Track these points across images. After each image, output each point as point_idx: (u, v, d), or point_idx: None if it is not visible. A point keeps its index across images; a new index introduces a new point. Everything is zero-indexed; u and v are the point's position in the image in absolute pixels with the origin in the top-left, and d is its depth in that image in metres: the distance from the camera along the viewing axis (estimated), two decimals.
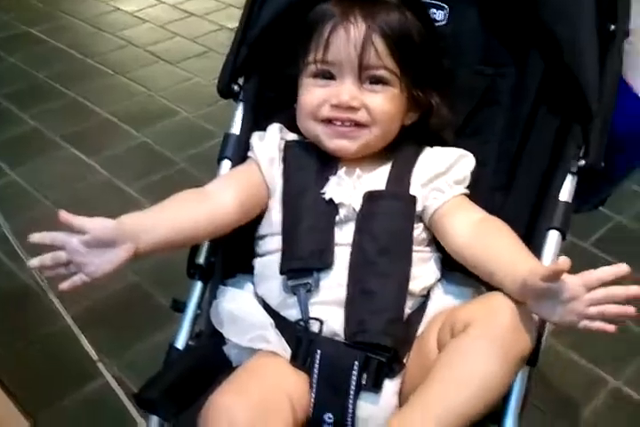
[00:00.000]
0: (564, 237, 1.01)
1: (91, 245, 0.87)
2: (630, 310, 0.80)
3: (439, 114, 1.09)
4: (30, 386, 1.58)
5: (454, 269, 1.07)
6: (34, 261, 0.89)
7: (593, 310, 0.82)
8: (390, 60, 1.02)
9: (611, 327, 0.81)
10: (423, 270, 1.02)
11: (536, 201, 1.07)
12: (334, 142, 1.05)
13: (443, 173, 1.06)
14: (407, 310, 0.99)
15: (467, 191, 1.06)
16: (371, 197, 1.02)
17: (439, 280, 1.05)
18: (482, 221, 1.01)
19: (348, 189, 1.03)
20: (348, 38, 1.02)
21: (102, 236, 0.88)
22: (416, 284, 1.00)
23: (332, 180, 1.04)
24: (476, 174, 1.10)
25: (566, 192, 1.02)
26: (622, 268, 0.81)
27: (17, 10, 3.35)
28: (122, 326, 1.72)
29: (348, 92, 1.02)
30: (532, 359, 0.91)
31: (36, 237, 0.89)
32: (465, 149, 1.11)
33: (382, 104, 1.03)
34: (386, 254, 0.99)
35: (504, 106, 1.13)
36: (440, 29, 1.14)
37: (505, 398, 0.91)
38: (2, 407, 1.52)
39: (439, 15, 1.15)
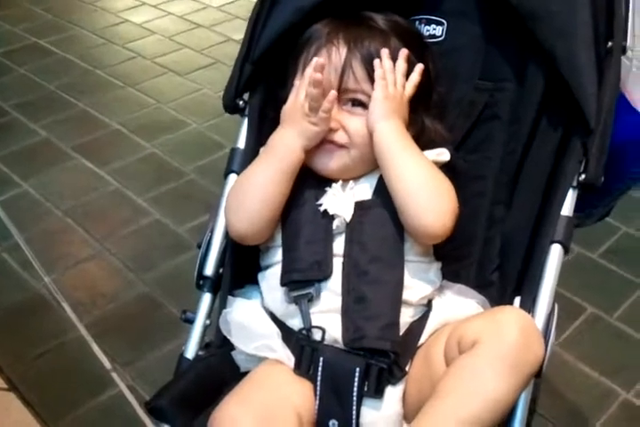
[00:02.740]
0: (566, 251, 1.02)
1: None
2: None
3: (430, 133, 1.10)
4: (45, 395, 1.61)
5: (456, 281, 1.11)
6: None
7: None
8: (368, 85, 1.05)
9: None
10: (420, 280, 1.04)
11: (537, 215, 1.08)
12: (315, 162, 1.08)
13: None
14: (408, 319, 1.02)
15: None
16: (359, 207, 1.05)
17: (441, 291, 1.07)
18: None
19: (342, 200, 1.06)
20: (330, 61, 1.04)
21: None
22: (413, 293, 1.02)
23: (329, 192, 1.07)
24: (477, 188, 1.13)
25: (567, 206, 1.03)
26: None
27: (26, 21, 3.39)
28: (134, 336, 1.75)
29: None
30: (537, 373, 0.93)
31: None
32: (466, 163, 1.13)
33: (360, 127, 1.05)
34: (376, 262, 1.02)
35: (504, 120, 1.14)
36: (438, 45, 1.17)
37: (511, 410, 0.93)
38: (18, 416, 1.56)
39: (438, 31, 1.18)
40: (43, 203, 2.23)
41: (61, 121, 2.64)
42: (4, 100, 2.76)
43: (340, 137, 1.06)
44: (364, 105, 1.06)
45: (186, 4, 3.51)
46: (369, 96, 1.05)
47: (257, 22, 1.16)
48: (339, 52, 1.05)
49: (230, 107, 1.18)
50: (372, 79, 1.05)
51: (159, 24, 3.34)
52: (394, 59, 1.06)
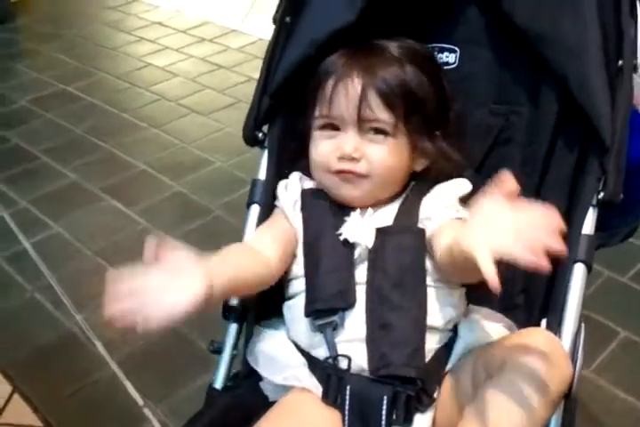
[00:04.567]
0: (589, 270, 1.02)
1: (172, 274, 0.85)
2: (545, 264, 0.75)
3: (448, 160, 1.11)
4: None
5: (481, 304, 1.11)
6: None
7: (509, 248, 0.76)
8: (386, 114, 1.06)
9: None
10: (444, 305, 1.04)
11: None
12: (340, 191, 1.09)
13: (439, 201, 1.08)
14: (434, 345, 1.01)
15: (459, 215, 1.05)
16: (380, 234, 1.05)
17: (466, 315, 1.07)
18: None
19: (362, 228, 1.06)
20: (347, 94, 1.06)
21: (187, 259, 0.87)
22: (437, 318, 1.02)
23: (348, 220, 1.08)
24: None
25: (588, 225, 1.03)
26: (555, 217, 0.78)
27: (53, 69, 3.47)
28: (165, 371, 1.75)
29: (351, 143, 1.06)
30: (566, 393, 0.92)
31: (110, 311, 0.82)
32: (483, 187, 1.14)
33: (382, 155, 1.06)
34: (399, 288, 1.02)
35: (520, 143, 1.16)
36: (452, 72, 1.18)
37: None
38: None
39: (451, 58, 1.20)
40: (73, 243, 2.26)
41: (89, 163, 2.69)
42: (33, 145, 2.82)
43: (361, 167, 1.07)
44: (385, 133, 1.07)
45: (207, 46, 3.58)
46: (387, 124, 1.06)
47: (273, 56, 1.19)
48: (353, 84, 1.06)
49: (250, 139, 1.20)
50: (389, 107, 1.06)
51: (181, 67, 3.40)
52: (406, 82, 1.07)
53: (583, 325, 1.00)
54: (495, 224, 0.79)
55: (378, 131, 1.07)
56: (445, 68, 1.19)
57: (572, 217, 1.05)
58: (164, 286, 0.84)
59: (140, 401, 1.68)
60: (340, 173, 1.08)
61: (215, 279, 0.88)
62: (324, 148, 1.10)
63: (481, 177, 1.15)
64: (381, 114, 1.06)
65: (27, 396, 1.72)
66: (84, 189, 2.54)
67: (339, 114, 1.07)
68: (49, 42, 3.77)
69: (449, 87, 1.14)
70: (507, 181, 0.81)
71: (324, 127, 1.10)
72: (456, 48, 1.20)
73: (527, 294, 1.13)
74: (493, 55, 1.18)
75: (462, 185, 1.11)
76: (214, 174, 2.56)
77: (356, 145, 1.06)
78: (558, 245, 0.76)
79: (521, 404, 0.86)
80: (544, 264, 0.74)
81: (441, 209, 1.07)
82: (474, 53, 1.19)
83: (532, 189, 1.13)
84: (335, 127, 1.09)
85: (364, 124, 1.07)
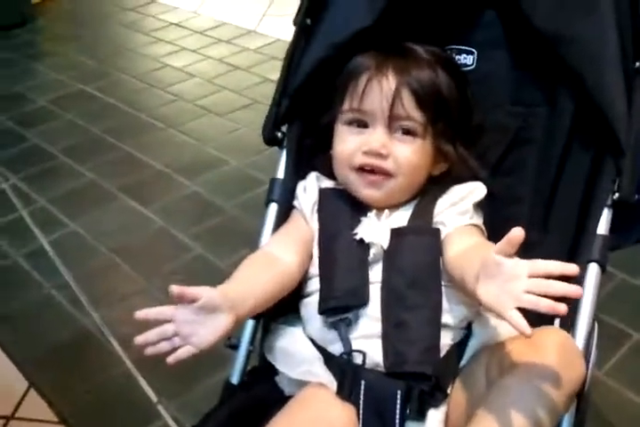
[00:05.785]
0: (603, 270, 1.03)
1: (199, 313, 0.91)
2: (562, 308, 0.80)
3: (466, 166, 1.13)
4: None
5: None
6: (139, 339, 0.92)
7: (527, 298, 0.81)
8: (417, 113, 1.07)
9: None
10: (458, 303, 1.04)
11: (573, 236, 1.09)
12: (363, 191, 1.10)
13: (453, 206, 1.10)
14: (449, 342, 1.02)
15: (472, 222, 1.09)
16: (395, 234, 1.07)
17: (480, 313, 1.08)
18: (475, 243, 1.03)
19: (377, 228, 1.08)
20: (381, 90, 1.07)
21: (211, 302, 0.91)
22: (452, 316, 1.03)
23: (364, 221, 1.09)
24: (512, 211, 1.15)
25: (603, 225, 1.04)
26: (572, 267, 0.83)
27: (72, 69, 3.51)
28: (179, 368, 1.73)
29: (379, 139, 1.08)
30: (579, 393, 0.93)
31: (141, 315, 0.92)
32: (500, 187, 1.15)
33: (408, 155, 1.08)
34: (414, 288, 1.03)
35: (537, 144, 1.16)
36: (470, 73, 1.19)
37: None
38: None
39: (469, 60, 1.21)
40: (90, 241, 2.29)
41: (107, 163, 2.72)
42: (52, 145, 2.85)
43: (388, 164, 1.08)
44: (412, 133, 1.09)
45: (224, 47, 3.60)
46: (418, 123, 1.08)
47: (292, 58, 1.21)
48: (388, 82, 1.08)
49: (269, 139, 1.22)
50: (421, 107, 1.08)
51: (199, 67, 3.42)
52: (437, 84, 1.09)
53: (597, 325, 1.01)
54: (514, 280, 0.83)
55: (406, 131, 1.09)
56: (463, 69, 1.20)
57: (586, 218, 1.06)
58: (194, 324, 0.91)
59: (154, 398, 1.70)
60: (363, 170, 1.09)
61: (240, 310, 0.96)
62: (350, 142, 1.11)
63: (497, 178, 1.17)
64: (413, 112, 1.08)
65: (42, 392, 1.74)
66: (102, 189, 2.57)
67: (370, 109, 1.09)
68: (68, 43, 3.81)
69: (470, 94, 1.15)
70: (517, 237, 0.84)
71: (351, 123, 1.12)
72: (473, 50, 1.21)
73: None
74: (510, 57, 1.19)
75: (478, 189, 1.12)
76: (230, 174, 2.58)
77: (384, 142, 1.08)
78: (574, 293, 0.82)
79: (534, 403, 0.87)
80: (561, 309, 0.80)
81: (455, 215, 1.09)
82: (491, 55, 1.20)
83: (548, 190, 1.14)
84: (363, 124, 1.11)
85: (393, 123, 1.08)
